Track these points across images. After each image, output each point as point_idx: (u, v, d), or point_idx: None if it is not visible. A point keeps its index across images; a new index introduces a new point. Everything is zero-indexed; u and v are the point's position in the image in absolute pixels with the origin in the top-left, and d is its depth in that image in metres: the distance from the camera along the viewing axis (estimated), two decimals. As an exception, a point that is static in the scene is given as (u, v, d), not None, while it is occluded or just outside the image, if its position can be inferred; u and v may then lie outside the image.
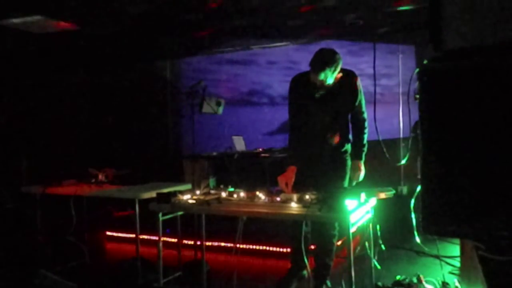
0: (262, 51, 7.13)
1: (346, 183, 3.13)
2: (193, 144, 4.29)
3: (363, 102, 3.09)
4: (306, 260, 2.92)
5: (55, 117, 7.24)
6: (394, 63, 5.80)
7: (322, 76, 2.82)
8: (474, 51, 1.49)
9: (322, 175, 3.09)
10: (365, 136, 3.12)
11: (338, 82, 2.91)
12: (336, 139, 3.09)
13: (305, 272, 3.26)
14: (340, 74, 2.90)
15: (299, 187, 2.90)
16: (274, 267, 3.98)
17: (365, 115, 3.11)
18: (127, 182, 3.80)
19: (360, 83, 3.05)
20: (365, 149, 3.12)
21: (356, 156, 3.12)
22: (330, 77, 2.84)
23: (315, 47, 2.97)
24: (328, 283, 3.14)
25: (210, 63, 7.59)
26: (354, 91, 3.01)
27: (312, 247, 3.31)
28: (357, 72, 3.06)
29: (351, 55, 6.29)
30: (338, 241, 3.97)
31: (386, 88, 6.07)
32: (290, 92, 3.14)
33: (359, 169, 3.11)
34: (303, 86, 3.00)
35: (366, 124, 3.12)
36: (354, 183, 3.13)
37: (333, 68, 2.82)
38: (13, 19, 5.15)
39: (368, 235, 2.96)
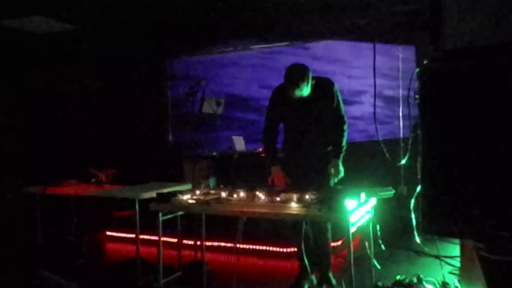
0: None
1: (331, 183, 3.21)
2: (193, 144, 4.29)
3: (341, 105, 3.23)
4: (306, 260, 2.91)
5: (55, 117, 7.24)
6: (394, 63, 5.79)
7: (298, 93, 2.99)
8: (474, 51, 1.49)
9: (309, 175, 3.18)
10: (344, 138, 3.23)
11: (313, 90, 3.07)
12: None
13: (313, 277, 3.27)
14: (314, 81, 3.04)
15: (290, 186, 3.01)
16: (274, 267, 3.98)
17: (344, 118, 3.24)
18: (127, 182, 3.80)
19: (337, 88, 3.20)
20: (343, 149, 3.23)
21: (334, 155, 3.22)
22: (305, 89, 3.01)
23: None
24: (330, 275, 3.17)
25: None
26: (331, 97, 3.16)
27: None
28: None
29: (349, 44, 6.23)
30: (338, 241, 3.99)
31: (386, 88, 6.06)
32: (270, 102, 3.30)
33: (337, 168, 3.18)
34: (283, 96, 3.15)
35: (345, 126, 3.24)
36: (334, 181, 3.20)
37: (306, 82, 2.98)
38: (13, 19, 5.15)
39: (368, 235, 2.96)
